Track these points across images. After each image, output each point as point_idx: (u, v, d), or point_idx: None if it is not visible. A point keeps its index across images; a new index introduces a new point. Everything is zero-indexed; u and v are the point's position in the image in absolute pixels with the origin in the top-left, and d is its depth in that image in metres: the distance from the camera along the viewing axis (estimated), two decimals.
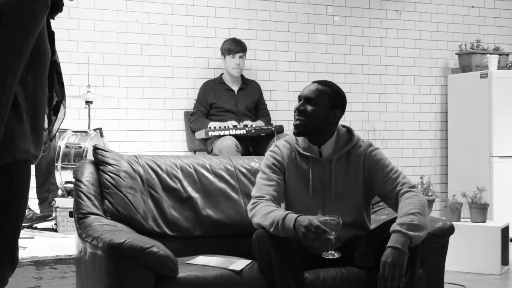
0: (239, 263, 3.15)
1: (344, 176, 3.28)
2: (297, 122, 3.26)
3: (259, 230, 3.06)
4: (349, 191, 3.27)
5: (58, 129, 2.55)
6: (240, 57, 5.97)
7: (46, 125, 2.52)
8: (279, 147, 3.35)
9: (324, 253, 3.00)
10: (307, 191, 3.27)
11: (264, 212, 3.09)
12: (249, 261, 3.18)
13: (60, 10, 2.45)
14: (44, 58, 2.35)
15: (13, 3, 2.16)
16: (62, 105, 2.51)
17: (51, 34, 2.45)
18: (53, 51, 2.45)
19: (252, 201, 3.21)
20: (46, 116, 2.48)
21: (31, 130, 2.35)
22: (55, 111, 2.50)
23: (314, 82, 3.34)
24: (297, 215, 2.99)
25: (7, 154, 2.24)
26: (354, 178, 3.28)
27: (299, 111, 3.25)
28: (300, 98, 3.29)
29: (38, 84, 2.30)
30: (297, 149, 3.30)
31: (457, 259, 5.22)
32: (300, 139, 3.32)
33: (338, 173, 3.27)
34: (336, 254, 2.99)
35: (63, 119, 2.56)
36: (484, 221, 5.67)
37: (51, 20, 2.48)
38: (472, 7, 7.45)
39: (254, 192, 3.25)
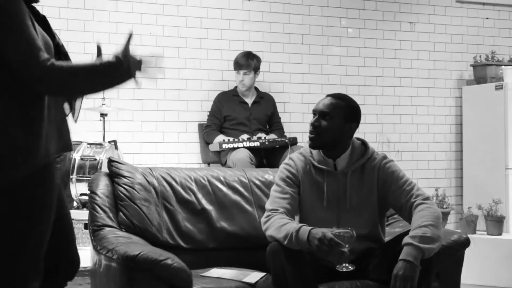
0: (253, 276, 3.15)
1: (359, 189, 3.27)
2: (312, 136, 3.26)
3: (273, 243, 3.06)
4: (364, 203, 3.27)
5: (79, 112, 2.59)
6: (245, 73, 5.95)
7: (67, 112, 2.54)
8: (294, 159, 3.34)
9: (338, 266, 2.99)
10: (321, 204, 3.26)
11: (278, 224, 3.08)
12: (263, 273, 3.18)
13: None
14: (47, 45, 2.36)
15: None
16: None
17: (43, 19, 2.44)
18: (53, 35, 2.47)
19: (266, 214, 3.20)
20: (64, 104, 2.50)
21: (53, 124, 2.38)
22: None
23: (328, 95, 3.32)
24: (310, 227, 2.98)
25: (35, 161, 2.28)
26: (368, 190, 3.28)
27: (313, 126, 3.24)
28: (314, 112, 3.28)
29: None
30: (311, 161, 3.30)
31: (473, 272, 5.19)
32: (315, 151, 3.31)
33: (352, 186, 3.27)
34: (350, 267, 2.98)
35: (82, 101, 2.63)
36: (500, 234, 5.65)
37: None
38: (487, 18, 7.43)
39: (268, 205, 3.25)
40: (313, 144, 3.27)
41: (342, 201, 3.26)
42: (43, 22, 2.46)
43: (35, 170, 2.30)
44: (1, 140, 2.24)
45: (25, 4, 2.29)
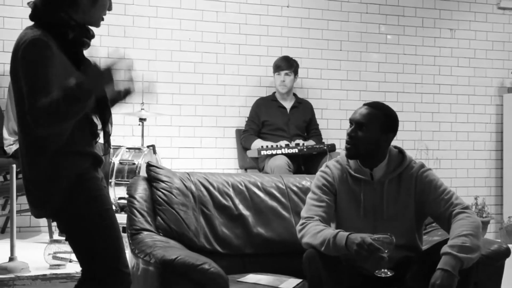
0: (289, 282, 3.14)
1: (396, 198, 3.24)
2: (348, 146, 3.23)
3: (310, 250, 3.05)
4: (401, 213, 3.24)
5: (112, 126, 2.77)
6: (286, 74, 5.98)
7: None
8: (330, 167, 3.32)
9: (376, 272, 2.95)
10: (358, 213, 3.24)
11: (314, 231, 3.07)
12: (300, 280, 3.18)
13: (83, 45, 2.68)
14: None
15: None
16: (108, 128, 2.73)
17: (88, 63, 2.65)
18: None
19: (301, 221, 3.19)
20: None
21: None
22: (106, 139, 2.77)
23: (365, 104, 3.28)
24: (348, 232, 2.97)
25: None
26: (405, 200, 3.24)
27: (350, 136, 3.21)
28: (351, 122, 3.24)
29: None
30: (348, 170, 3.28)
31: None
32: (352, 160, 3.30)
33: (389, 196, 3.24)
34: (389, 273, 2.95)
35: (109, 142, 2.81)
36: None
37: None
38: None
39: (303, 212, 3.24)
40: (349, 154, 3.24)
41: (379, 211, 3.23)
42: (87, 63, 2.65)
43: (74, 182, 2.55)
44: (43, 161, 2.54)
45: (67, 49, 2.56)
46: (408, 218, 3.25)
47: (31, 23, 2.58)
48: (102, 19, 2.72)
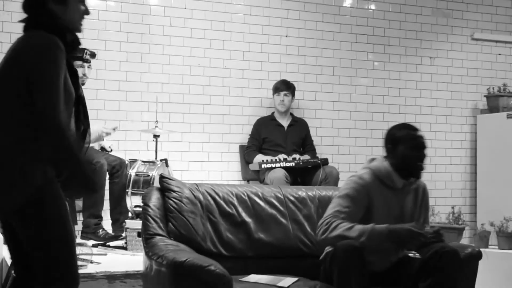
0: (286, 281, 3.14)
1: (414, 203, 3.41)
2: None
3: (347, 241, 3.00)
4: (417, 215, 3.41)
5: (87, 149, 2.59)
6: (285, 94, 5.99)
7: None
8: (364, 178, 3.31)
9: (410, 253, 3.19)
10: (390, 216, 3.28)
11: (346, 226, 3.08)
12: (296, 278, 3.17)
13: (76, 51, 2.53)
14: (70, 95, 2.42)
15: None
16: (87, 133, 2.55)
17: (74, 72, 2.49)
18: (77, 87, 2.50)
19: (326, 220, 3.16)
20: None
21: None
22: (82, 136, 2.55)
23: (420, 133, 3.46)
24: (385, 225, 3.07)
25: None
26: (417, 205, 3.43)
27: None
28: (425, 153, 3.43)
29: (69, 117, 2.43)
30: (384, 181, 3.33)
31: (486, 284, 5.09)
32: (390, 172, 3.34)
33: (409, 202, 3.38)
34: (417, 255, 3.17)
35: (89, 143, 2.61)
36: (511, 249, 5.53)
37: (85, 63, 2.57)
38: (499, 54, 7.35)
39: (329, 211, 3.21)
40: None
41: (405, 214, 3.34)
42: (75, 75, 2.50)
43: (37, 189, 2.35)
44: (11, 166, 2.35)
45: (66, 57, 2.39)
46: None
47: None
48: (81, 25, 2.53)
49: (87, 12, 2.53)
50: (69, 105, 2.42)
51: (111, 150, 5.44)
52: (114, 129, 5.18)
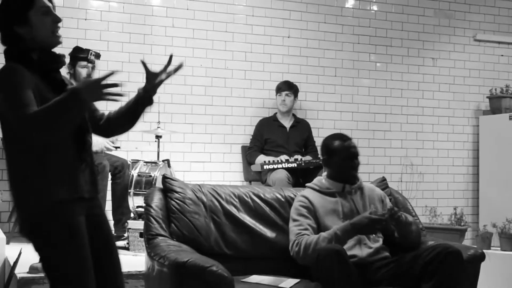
0: (288, 282, 3.14)
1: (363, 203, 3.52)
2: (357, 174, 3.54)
3: (325, 250, 3.05)
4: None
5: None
6: (286, 95, 5.99)
7: None
8: (305, 195, 3.51)
9: (373, 236, 3.36)
10: (339, 218, 3.42)
11: (315, 239, 3.23)
12: (297, 280, 3.17)
13: (58, 63, 2.45)
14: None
15: None
16: (87, 139, 2.50)
17: (61, 82, 2.45)
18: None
19: (293, 242, 3.32)
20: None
21: None
22: (80, 141, 2.48)
23: (348, 137, 3.61)
24: (346, 222, 3.26)
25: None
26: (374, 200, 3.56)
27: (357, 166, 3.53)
28: (356, 155, 3.52)
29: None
30: (321, 190, 3.53)
31: (488, 286, 5.08)
32: (323, 181, 3.57)
33: (357, 202, 3.51)
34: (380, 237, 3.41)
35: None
36: None
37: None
38: (502, 55, 7.35)
39: (292, 236, 3.37)
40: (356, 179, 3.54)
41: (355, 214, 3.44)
42: (62, 84, 2.44)
43: (47, 209, 2.32)
44: (22, 185, 2.34)
45: (43, 73, 2.35)
46: None
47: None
48: (56, 36, 2.43)
49: (56, 20, 2.43)
50: None
51: (116, 149, 5.38)
52: (116, 148, 5.21)
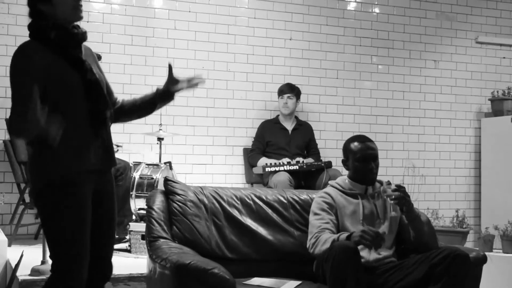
0: (290, 284, 3.14)
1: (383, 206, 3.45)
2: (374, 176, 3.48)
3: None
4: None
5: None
6: (288, 97, 5.99)
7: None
8: (328, 192, 3.48)
9: (377, 251, 3.24)
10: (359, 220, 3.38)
11: (323, 240, 3.17)
12: (299, 282, 3.17)
13: (74, 41, 2.63)
14: (64, 85, 2.55)
15: None
16: (108, 113, 2.65)
17: (79, 59, 2.62)
18: (84, 73, 2.60)
19: (313, 236, 3.26)
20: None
21: None
22: (100, 117, 2.64)
23: (367, 139, 3.54)
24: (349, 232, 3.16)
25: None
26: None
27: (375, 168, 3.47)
28: (372, 157, 3.45)
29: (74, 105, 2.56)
30: (344, 190, 3.48)
31: (491, 287, 5.08)
32: (346, 182, 3.51)
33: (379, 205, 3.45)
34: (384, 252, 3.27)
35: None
36: None
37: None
38: (504, 58, 7.35)
39: (312, 229, 3.32)
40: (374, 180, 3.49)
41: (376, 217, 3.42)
42: (80, 61, 2.62)
43: (54, 178, 2.52)
44: (37, 158, 2.55)
45: (57, 48, 2.54)
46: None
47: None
48: (78, 11, 2.62)
49: None
50: (67, 94, 2.53)
51: (117, 150, 5.39)
52: (117, 148, 5.20)
